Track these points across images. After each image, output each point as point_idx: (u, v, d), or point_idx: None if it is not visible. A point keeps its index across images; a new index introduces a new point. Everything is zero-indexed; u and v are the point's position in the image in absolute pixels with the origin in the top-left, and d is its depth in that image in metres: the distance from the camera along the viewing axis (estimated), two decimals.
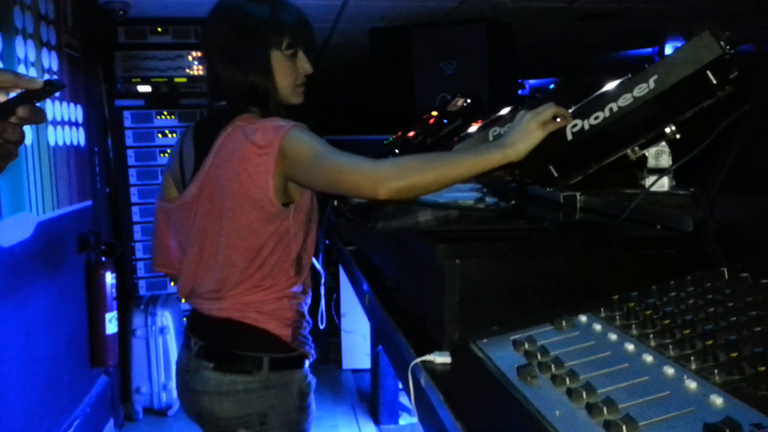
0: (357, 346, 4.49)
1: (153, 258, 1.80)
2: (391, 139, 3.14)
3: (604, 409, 0.65)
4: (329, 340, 4.59)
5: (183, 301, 1.79)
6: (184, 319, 4.21)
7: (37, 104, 0.90)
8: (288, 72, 1.59)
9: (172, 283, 4.34)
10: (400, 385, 3.39)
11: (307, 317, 1.68)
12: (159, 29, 4.20)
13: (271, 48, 1.56)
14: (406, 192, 1.33)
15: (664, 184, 1.61)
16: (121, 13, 3.79)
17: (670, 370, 0.71)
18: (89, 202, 3.39)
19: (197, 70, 4.24)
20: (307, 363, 1.67)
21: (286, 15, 1.59)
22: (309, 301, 1.70)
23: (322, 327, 2.52)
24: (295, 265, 1.60)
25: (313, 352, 1.68)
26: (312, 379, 1.69)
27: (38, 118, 0.91)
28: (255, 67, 1.55)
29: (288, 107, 1.62)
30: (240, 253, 1.53)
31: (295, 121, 1.51)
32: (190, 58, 4.24)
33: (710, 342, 0.72)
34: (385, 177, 1.32)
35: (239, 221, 1.51)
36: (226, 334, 1.60)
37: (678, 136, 1.57)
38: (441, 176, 1.33)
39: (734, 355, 0.67)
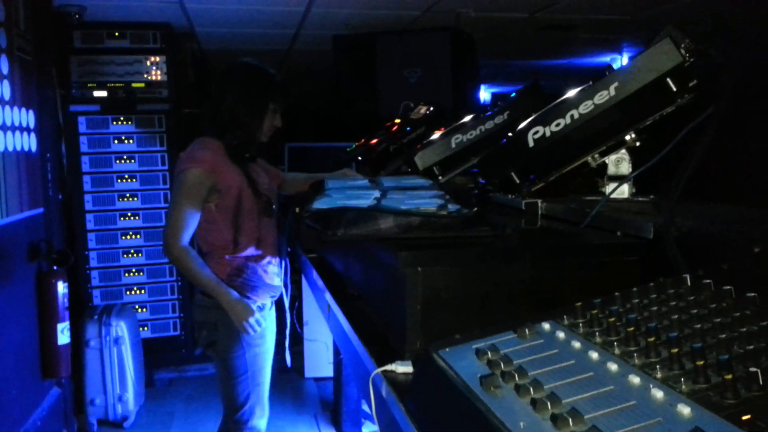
0: (319, 354, 4.43)
1: None
2: (354, 146, 3.12)
3: (570, 421, 0.63)
4: (292, 349, 4.51)
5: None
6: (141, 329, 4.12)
7: None
8: (269, 122, 2.43)
9: (130, 292, 4.24)
10: None
11: (249, 272, 2.39)
12: (116, 33, 4.10)
13: (269, 102, 2.39)
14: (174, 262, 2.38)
15: (624, 191, 1.62)
16: (77, 16, 3.69)
17: (635, 379, 0.69)
18: (41, 210, 3.27)
19: (156, 75, 4.15)
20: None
21: (279, 83, 2.45)
22: (258, 259, 2.41)
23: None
24: (232, 242, 2.36)
25: (253, 295, 2.41)
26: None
27: None
28: (258, 112, 2.37)
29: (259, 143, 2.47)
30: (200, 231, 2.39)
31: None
32: (148, 63, 4.14)
33: (675, 350, 0.70)
34: (172, 246, 2.27)
35: None
36: None
37: (638, 144, 1.58)
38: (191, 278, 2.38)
39: (700, 363, 0.66)
